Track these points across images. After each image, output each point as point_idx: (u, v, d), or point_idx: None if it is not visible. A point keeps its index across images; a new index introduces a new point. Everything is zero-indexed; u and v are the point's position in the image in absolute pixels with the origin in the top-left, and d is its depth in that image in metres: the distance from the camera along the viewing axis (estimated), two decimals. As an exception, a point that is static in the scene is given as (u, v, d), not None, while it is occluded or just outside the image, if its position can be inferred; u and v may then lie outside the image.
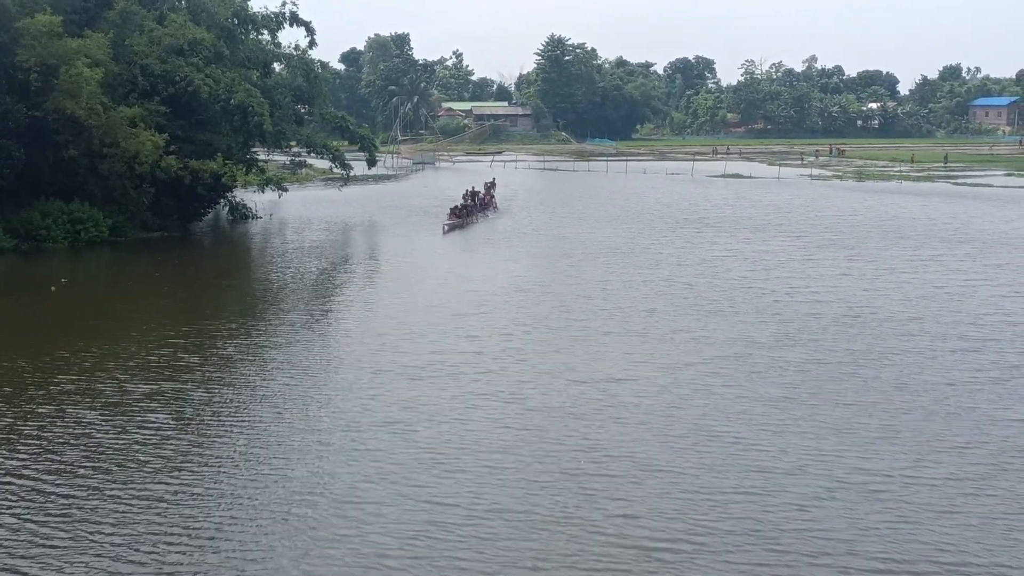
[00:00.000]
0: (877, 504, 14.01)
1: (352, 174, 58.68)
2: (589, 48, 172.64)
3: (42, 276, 34.05)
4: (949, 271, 34.44)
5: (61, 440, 16.56)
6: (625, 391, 19.58)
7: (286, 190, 54.58)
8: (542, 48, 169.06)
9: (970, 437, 16.81)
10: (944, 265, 35.71)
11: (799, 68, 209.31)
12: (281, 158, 59.52)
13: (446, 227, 47.67)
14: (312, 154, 58.33)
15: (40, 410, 18.17)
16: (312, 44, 56.75)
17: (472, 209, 52.67)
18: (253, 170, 51.84)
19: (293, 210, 56.34)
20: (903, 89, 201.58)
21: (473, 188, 56.52)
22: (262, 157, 56.92)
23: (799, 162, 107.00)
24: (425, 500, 14.03)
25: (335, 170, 59.28)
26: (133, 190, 42.61)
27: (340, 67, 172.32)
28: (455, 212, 49.92)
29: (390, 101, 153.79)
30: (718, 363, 21.79)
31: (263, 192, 53.64)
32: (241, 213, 52.18)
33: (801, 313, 27.05)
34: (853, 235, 43.84)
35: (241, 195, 53.12)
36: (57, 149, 40.57)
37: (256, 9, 54.36)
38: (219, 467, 15.36)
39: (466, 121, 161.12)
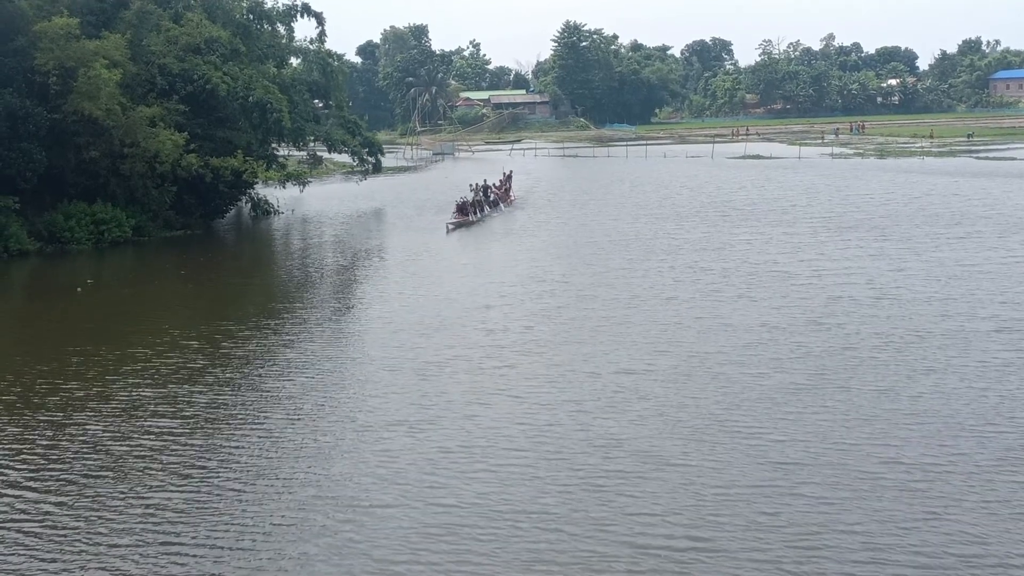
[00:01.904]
0: (906, 496, 13.55)
1: (372, 160, 59.09)
2: (606, 34, 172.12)
3: (67, 278, 34.29)
4: (986, 250, 33.36)
5: (89, 441, 16.56)
6: (647, 383, 19.37)
7: (307, 184, 54.74)
8: (558, 35, 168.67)
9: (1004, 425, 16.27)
10: (983, 244, 34.63)
11: (817, 47, 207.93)
12: (300, 154, 59.60)
13: (450, 226, 44.04)
14: (331, 151, 58.48)
15: (66, 413, 18.17)
16: (323, 35, 57.06)
17: (481, 204, 49.00)
18: (273, 166, 51.98)
19: (314, 205, 56.52)
20: (923, 64, 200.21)
21: (485, 181, 52.76)
22: (282, 153, 57.13)
23: (819, 141, 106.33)
24: (439, 502, 13.67)
25: (355, 165, 59.31)
26: (155, 189, 42.80)
27: (357, 60, 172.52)
28: (461, 208, 46.33)
29: (408, 93, 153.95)
30: (764, 354, 21.52)
31: (283, 188, 53.81)
32: (263, 209, 52.33)
33: (833, 298, 26.65)
34: (890, 221, 41.56)
35: (262, 191, 53.27)
36: (78, 151, 40.78)
37: (269, 3, 54.62)
38: (236, 470, 15.13)
39: (484, 110, 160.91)
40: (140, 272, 37.34)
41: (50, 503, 14.05)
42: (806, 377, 19.08)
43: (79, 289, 31.56)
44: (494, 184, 54.15)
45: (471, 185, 49.97)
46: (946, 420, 16.46)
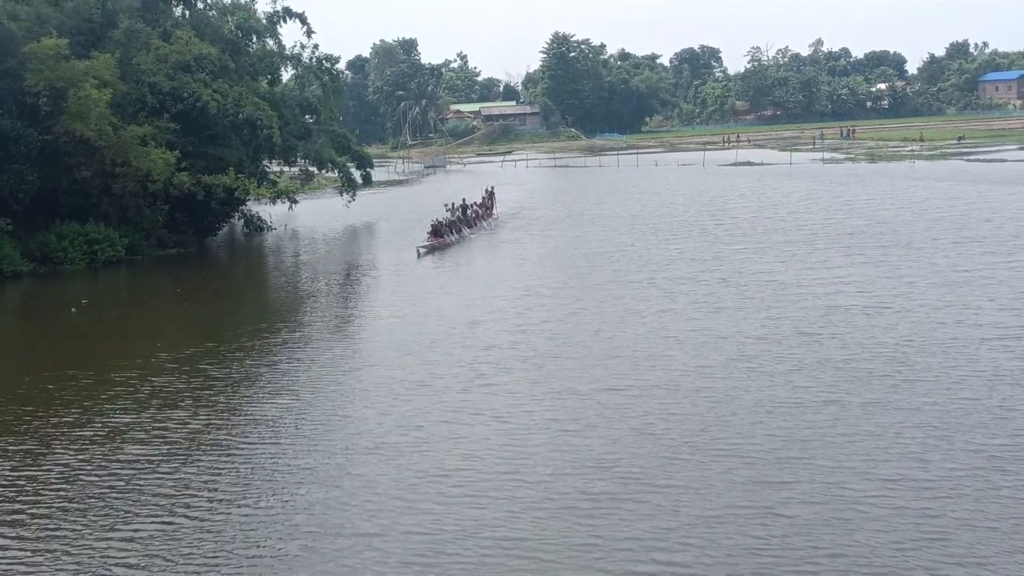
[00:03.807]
0: (920, 519, 13.06)
1: (360, 182, 59.07)
2: (594, 44, 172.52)
3: (61, 298, 34.14)
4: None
5: (88, 463, 16.41)
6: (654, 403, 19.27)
7: (296, 202, 54.62)
8: (547, 46, 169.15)
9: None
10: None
11: (805, 52, 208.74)
12: (292, 169, 59.56)
13: (421, 250, 40.70)
14: (321, 169, 58.31)
15: (65, 434, 18.04)
16: (310, 33, 57.18)
17: (458, 225, 45.67)
18: (264, 183, 51.94)
19: (306, 220, 56.43)
20: (911, 68, 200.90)
21: (464, 200, 49.37)
22: (274, 168, 57.13)
23: (811, 146, 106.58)
24: (418, 530, 13.30)
25: (343, 184, 58.80)
26: (147, 208, 42.71)
27: (347, 75, 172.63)
28: (435, 231, 42.71)
29: (398, 106, 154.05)
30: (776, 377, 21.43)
31: (273, 204, 53.80)
32: (256, 226, 52.26)
33: (831, 308, 26.47)
34: (888, 228, 41.22)
35: (255, 207, 53.19)
36: (70, 171, 40.70)
37: (257, 13, 54.61)
38: (213, 499, 14.68)
39: (475, 122, 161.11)
40: (134, 291, 37.21)
41: (18, 537, 13.65)
42: (799, 391, 18.67)
43: (73, 309, 31.45)
44: (474, 202, 51.15)
45: (447, 205, 47.32)
46: (943, 436, 15.98)
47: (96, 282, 37.88)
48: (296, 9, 56.33)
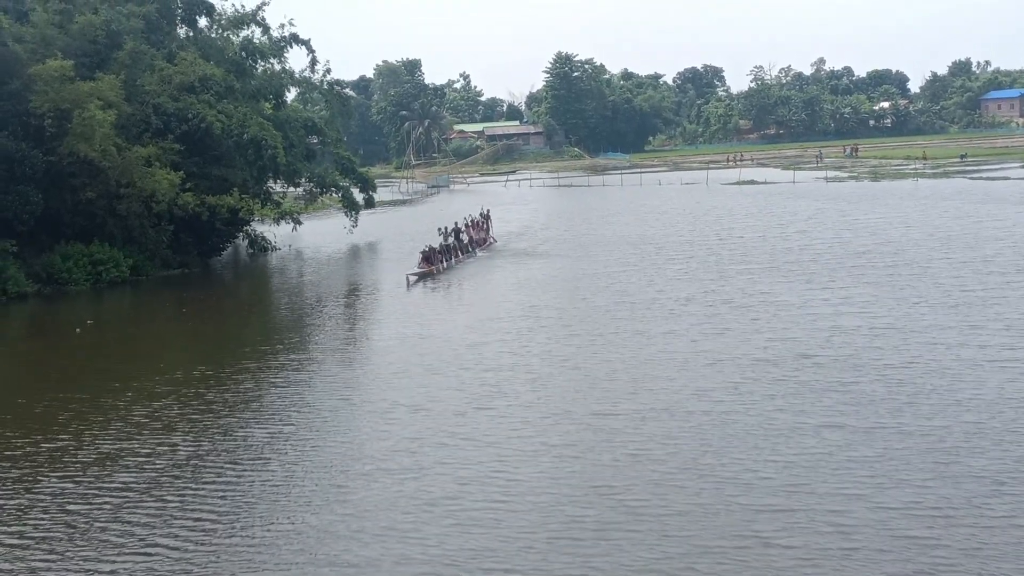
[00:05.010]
0: (923, 548, 12.82)
1: (363, 205, 59.26)
2: (597, 63, 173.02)
3: (66, 319, 34.17)
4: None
5: (75, 491, 16.27)
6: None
7: (300, 223, 54.73)
8: (550, 66, 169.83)
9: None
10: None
11: (808, 71, 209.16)
12: (296, 190, 59.68)
13: (411, 278, 38.38)
14: (324, 192, 58.28)
15: (55, 459, 17.94)
16: (315, 62, 57.51)
17: (449, 252, 43.15)
18: (268, 203, 52.06)
19: (310, 240, 56.50)
20: (914, 87, 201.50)
21: (456, 223, 46.93)
22: (278, 189, 57.26)
23: (813, 165, 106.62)
24: (411, 555, 13.15)
25: (346, 208, 58.59)
26: (152, 229, 42.79)
27: (353, 96, 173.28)
28: (427, 258, 40.34)
29: (402, 126, 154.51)
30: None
31: (277, 224, 53.94)
32: (260, 246, 52.32)
33: (839, 330, 26.40)
34: (896, 248, 41.28)
35: (259, 227, 53.26)
36: (74, 192, 40.79)
37: (258, 39, 54.83)
38: (204, 528, 14.38)
39: (479, 142, 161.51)
40: (138, 312, 37.21)
41: (9, 567, 13.39)
42: (800, 415, 18.45)
43: (78, 330, 31.45)
44: (467, 225, 48.65)
45: (440, 229, 44.87)
46: (948, 461, 15.76)
47: (100, 303, 37.92)
48: (302, 35, 56.65)
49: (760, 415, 18.38)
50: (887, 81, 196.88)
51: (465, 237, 46.94)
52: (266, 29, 54.33)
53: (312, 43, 57.03)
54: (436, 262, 40.85)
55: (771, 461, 15.97)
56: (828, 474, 15.33)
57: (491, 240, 49.99)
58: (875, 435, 16.96)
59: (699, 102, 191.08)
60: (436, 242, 42.63)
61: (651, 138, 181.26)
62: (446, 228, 45.30)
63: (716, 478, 15.38)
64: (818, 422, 17.81)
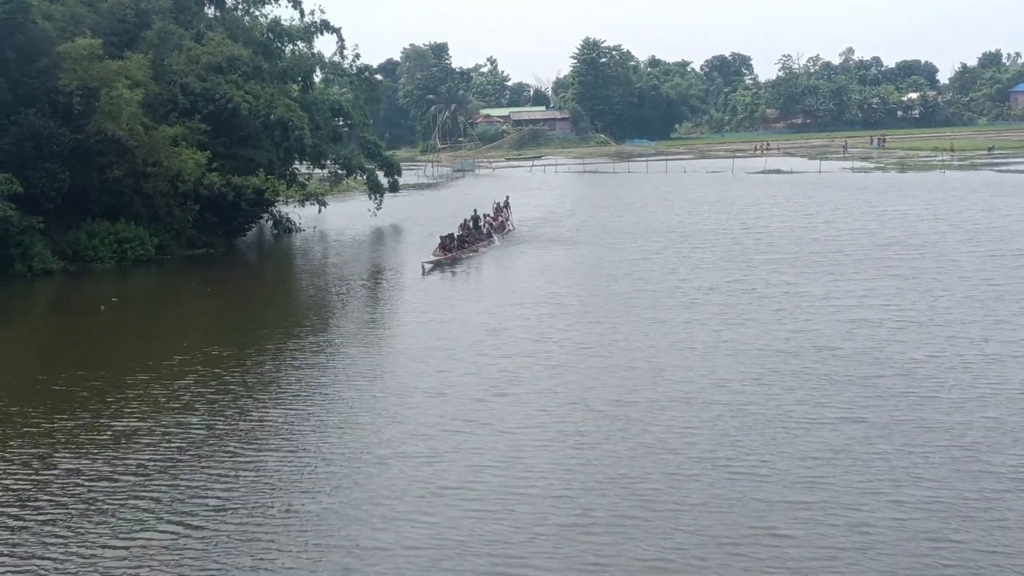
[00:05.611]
0: (942, 544, 12.73)
1: (387, 188, 59.23)
2: (624, 50, 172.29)
3: (91, 296, 34.46)
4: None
5: (92, 467, 16.37)
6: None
7: (325, 204, 54.85)
8: (577, 51, 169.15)
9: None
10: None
11: (836, 61, 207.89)
12: (322, 171, 59.76)
13: (426, 266, 37.73)
14: (349, 175, 58.27)
15: (73, 437, 18.06)
16: (343, 48, 57.63)
17: (469, 239, 42.95)
18: (294, 185, 52.16)
19: (335, 223, 56.59)
20: (943, 78, 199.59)
21: (475, 212, 46.28)
22: (304, 170, 57.37)
23: (840, 155, 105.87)
24: (433, 544, 13.08)
25: (370, 191, 58.61)
26: (177, 208, 42.96)
27: (378, 78, 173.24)
28: (445, 244, 40.34)
29: (428, 110, 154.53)
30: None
31: (302, 206, 54.05)
32: (285, 227, 52.44)
33: (862, 323, 26.30)
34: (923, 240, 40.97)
35: (284, 209, 53.40)
36: (101, 170, 40.98)
37: (286, 20, 55.14)
38: (223, 508, 14.43)
39: (504, 127, 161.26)
40: (163, 290, 37.50)
41: (17, 543, 13.49)
42: (820, 408, 18.39)
43: (103, 307, 31.69)
44: (485, 214, 48.13)
45: (463, 221, 44.75)
46: (968, 457, 15.65)
47: (125, 281, 38.16)
48: (333, 23, 56.70)
49: (779, 407, 18.25)
50: (916, 72, 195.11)
51: (484, 225, 46.65)
52: (297, 3, 54.31)
53: (343, 31, 57.28)
54: (454, 249, 40.74)
55: (788, 454, 15.87)
56: (845, 468, 15.21)
57: (509, 227, 49.78)
58: (894, 430, 16.83)
59: (726, 90, 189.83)
60: (448, 234, 42.04)
61: (677, 125, 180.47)
62: (466, 219, 45.08)
63: (732, 470, 15.28)
64: (837, 415, 17.69)
